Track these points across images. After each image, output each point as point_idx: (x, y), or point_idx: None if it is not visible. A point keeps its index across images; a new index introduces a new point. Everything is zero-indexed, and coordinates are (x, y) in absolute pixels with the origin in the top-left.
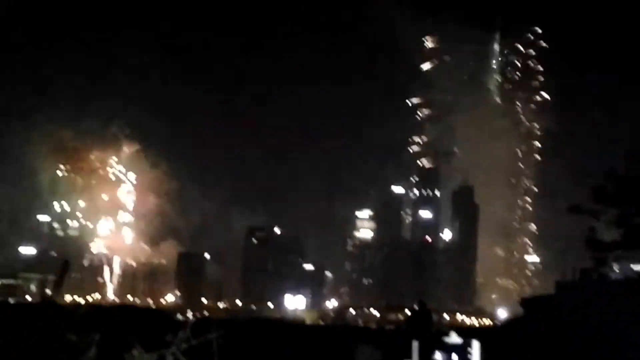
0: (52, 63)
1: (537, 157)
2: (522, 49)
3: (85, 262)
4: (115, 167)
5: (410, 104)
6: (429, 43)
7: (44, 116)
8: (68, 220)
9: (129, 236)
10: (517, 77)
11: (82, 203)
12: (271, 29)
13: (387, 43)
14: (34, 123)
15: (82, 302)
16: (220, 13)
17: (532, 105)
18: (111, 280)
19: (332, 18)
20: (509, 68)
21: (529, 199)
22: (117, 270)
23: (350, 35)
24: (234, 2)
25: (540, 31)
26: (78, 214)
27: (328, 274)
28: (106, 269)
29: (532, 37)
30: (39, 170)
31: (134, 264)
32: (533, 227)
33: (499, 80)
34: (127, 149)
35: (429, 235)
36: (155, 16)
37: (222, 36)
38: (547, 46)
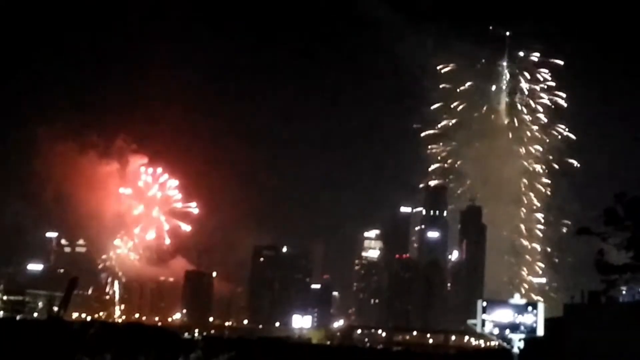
0: (58, 73)
1: (546, 177)
2: (529, 71)
3: (93, 279)
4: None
5: (419, 125)
6: (438, 64)
7: (49, 131)
8: (76, 237)
9: (137, 253)
10: (525, 97)
11: (89, 219)
12: (287, 50)
13: (396, 65)
14: (39, 138)
15: (89, 319)
16: (237, 31)
17: (541, 125)
18: (119, 298)
19: (344, 41)
20: (518, 88)
21: (537, 220)
22: (124, 287)
23: (362, 58)
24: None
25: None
26: (86, 230)
27: (335, 293)
28: (114, 286)
29: (540, 58)
30: (46, 186)
31: (141, 281)
32: (541, 248)
33: (507, 100)
34: (134, 163)
35: (436, 255)
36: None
37: (233, 48)
38: (559, 63)
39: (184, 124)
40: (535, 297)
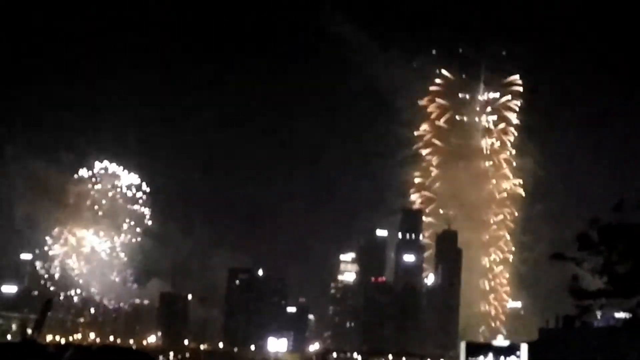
0: (26, 92)
1: (521, 201)
2: (503, 94)
3: (68, 302)
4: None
5: (393, 147)
6: (412, 86)
7: (19, 149)
8: (50, 258)
9: (112, 275)
10: (500, 121)
11: (63, 240)
12: (260, 70)
13: (369, 88)
14: (9, 157)
15: (63, 342)
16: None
17: (516, 149)
18: (93, 320)
19: (318, 61)
20: (492, 110)
21: (513, 244)
22: (99, 309)
23: (333, 78)
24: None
25: (519, 78)
26: (59, 251)
27: (311, 316)
28: (88, 308)
29: (514, 81)
30: (17, 206)
31: (116, 303)
32: (516, 272)
33: (483, 123)
34: (107, 184)
35: (412, 279)
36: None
37: (209, 65)
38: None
39: (155, 141)
40: (510, 322)
